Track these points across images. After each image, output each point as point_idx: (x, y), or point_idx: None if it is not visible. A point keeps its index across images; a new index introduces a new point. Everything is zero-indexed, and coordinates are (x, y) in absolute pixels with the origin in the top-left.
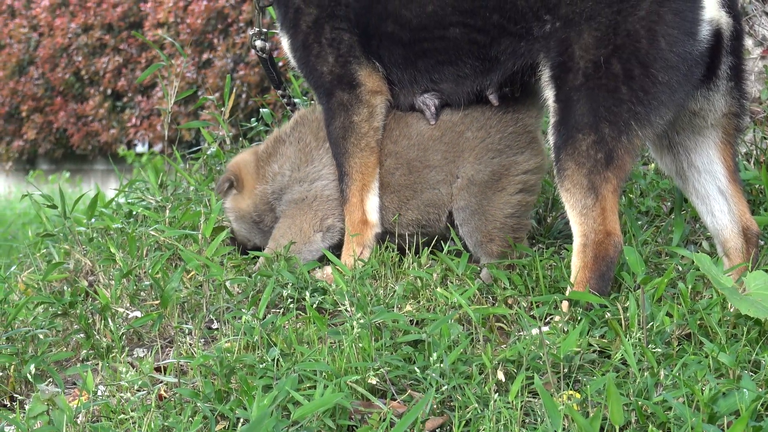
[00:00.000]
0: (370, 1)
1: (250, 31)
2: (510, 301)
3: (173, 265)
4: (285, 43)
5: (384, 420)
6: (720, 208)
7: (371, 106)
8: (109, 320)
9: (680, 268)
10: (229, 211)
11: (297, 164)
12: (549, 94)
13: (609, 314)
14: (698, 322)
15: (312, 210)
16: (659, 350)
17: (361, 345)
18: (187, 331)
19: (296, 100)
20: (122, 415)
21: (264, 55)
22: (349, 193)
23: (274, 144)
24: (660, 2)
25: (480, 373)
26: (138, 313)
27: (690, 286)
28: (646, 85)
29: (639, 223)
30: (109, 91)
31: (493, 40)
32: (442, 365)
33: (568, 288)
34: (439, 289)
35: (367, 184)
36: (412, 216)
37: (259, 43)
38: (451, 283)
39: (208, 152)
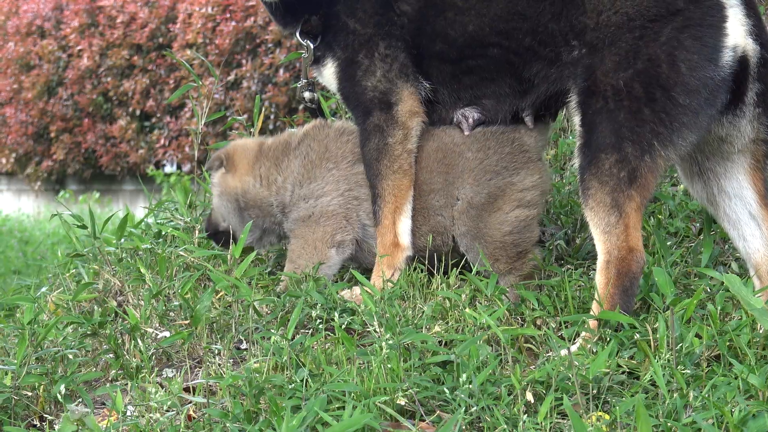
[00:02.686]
0: (422, 22)
1: (299, 84)
2: (539, 322)
3: (202, 285)
4: (330, 67)
5: None
6: (752, 233)
7: (407, 128)
8: (139, 340)
9: (709, 289)
10: (214, 185)
11: (300, 180)
12: (576, 119)
13: (638, 335)
14: (728, 343)
15: (321, 227)
16: (688, 371)
17: (389, 366)
18: (216, 352)
19: None
20: None
21: (313, 105)
22: (381, 215)
23: (282, 149)
24: (680, 29)
25: (509, 394)
26: (167, 334)
27: (719, 308)
28: (667, 108)
29: (668, 244)
30: (137, 112)
31: (526, 62)
32: (470, 386)
33: (593, 307)
34: (467, 310)
35: (399, 206)
36: (422, 243)
37: (307, 95)
38: (480, 303)
39: None
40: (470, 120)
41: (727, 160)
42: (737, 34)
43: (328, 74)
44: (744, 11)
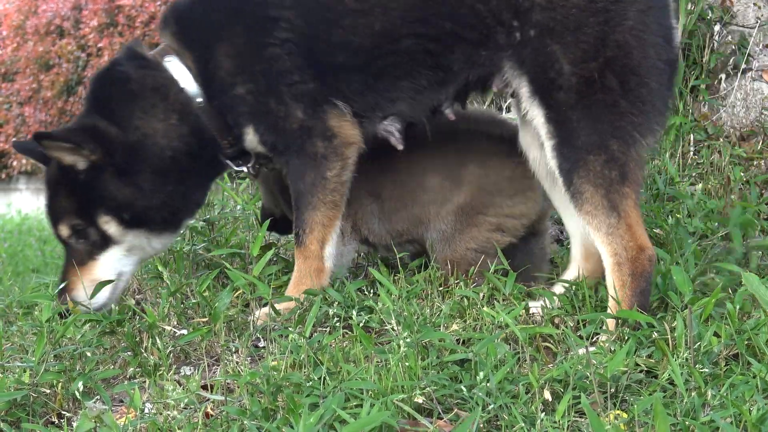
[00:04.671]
0: (314, 42)
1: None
2: (557, 321)
3: (220, 283)
4: (251, 133)
5: None
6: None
7: (344, 159)
8: (157, 338)
9: (729, 291)
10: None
11: None
12: (536, 112)
13: (656, 334)
14: (746, 342)
15: None
16: (706, 370)
17: (407, 364)
18: (234, 350)
19: None
20: None
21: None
22: (307, 241)
23: None
24: (644, 11)
25: (526, 393)
26: (185, 332)
27: (738, 306)
28: (642, 95)
29: (687, 242)
30: None
31: (447, 48)
32: (488, 384)
33: (610, 305)
34: (485, 309)
35: (327, 236)
36: (400, 227)
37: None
38: (498, 302)
39: None
40: (396, 134)
41: None
42: (675, 19)
43: (250, 137)
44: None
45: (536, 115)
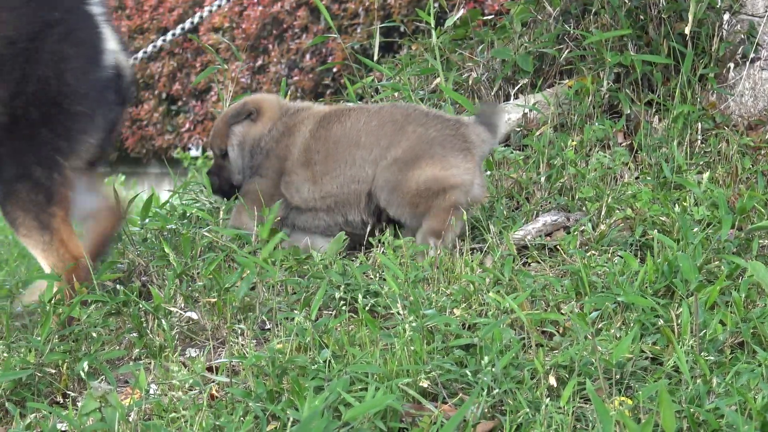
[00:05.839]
0: None
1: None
2: (562, 307)
3: (227, 265)
4: None
5: (435, 423)
6: None
7: None
8: (162, 320)
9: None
10: (235, 134)
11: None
12: None
13: (662, 321)
14: (752, 330)
15: None
16: (712, 358)
17: (412, 348)
18: (239, 332)
19: None
20: (174, 414)
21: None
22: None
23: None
24: (61, 40)
25: (531, 378)
26: (192, 314)
27: (744, 294)
28: (63, 121)
29: (693, 231)
30: (163, 95)
31: None
32: (493, 369)
33: None
34: (491, 294)
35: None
36: (332, 188)
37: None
38: (503, 287)
39: None
40: None
41: None
42: (112, 42)
43: None
44: (112, 28)
45: None
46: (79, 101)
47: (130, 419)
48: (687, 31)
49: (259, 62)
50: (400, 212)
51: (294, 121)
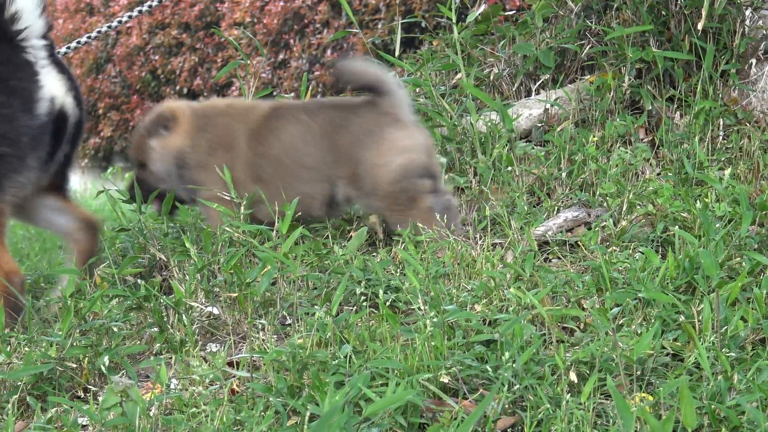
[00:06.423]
0: None
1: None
2: (583, 303)
3: (248, 260)
4: None
5: (455, 418)
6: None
7: None
8: (183, 315)
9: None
10: (153, 149)
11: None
12: None
13: (682, 317)
14: None
15: None
16: (733, 354)
17: (433, 343)
18: (260, 327)
19: None
20: (194, 409)
21: None
22: None
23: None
24: None
25: (552, 374)
26: (213, 309)
27: (765, 291)
28: None
29: (715, 227)
30: (184, 90)
31: None
32: (514, 365)
33: None
34: (512, 290)
35: None
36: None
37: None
38: (524, 283)
39: None
40: None
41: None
42: (54, 87)
43: None
44: (58, 69)
45: None
46: (9, 144)
47: (151, 414)
48: (700, 26)
49: (281, 57)
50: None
51: (222, 133)
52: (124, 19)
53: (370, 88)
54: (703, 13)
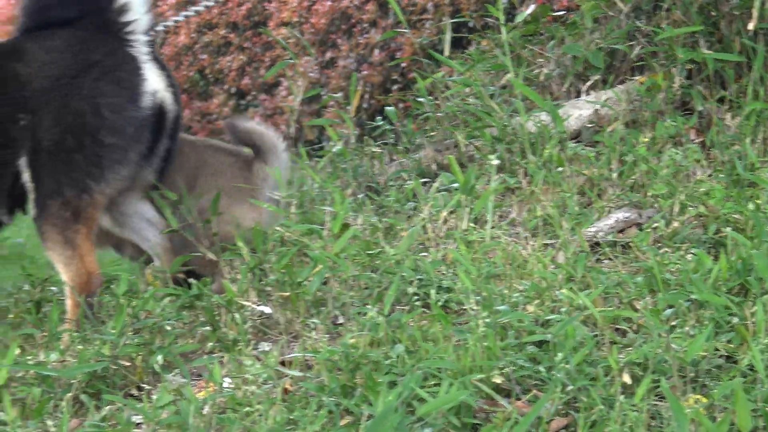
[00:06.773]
0: None
1: None
2: (636, 304)
3: (299, 260)
4: None
5: (509, 419)
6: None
7: None
8: (235, 314)
9: None
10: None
11: None
12: (26, 176)
13: (736, 319)
14: None
15: None
16: None
17: (486, 344)
18: (312, 327)
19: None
20: (248, 408)
21: None
22: None
23: None
24: (99, 78)
25: (605, 375)
26: (265, 308)
27: None
28: (96, 150)
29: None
30: (233, 90)
31: None
32: (567, 366)
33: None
34: (564, 290)
35: None
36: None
37: None
38: (576, 284)
39: (333, 150)
40: None
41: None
42: (155, 81)
43: None
44: (158, 66)
45: (26, 179)
46: (113, 134)
47: (205, 412)
48: (751, 27)
49: (328, 56)
50: None
51: None
52: (180, 18)
53: (254, 148)
54: (754, 13)
